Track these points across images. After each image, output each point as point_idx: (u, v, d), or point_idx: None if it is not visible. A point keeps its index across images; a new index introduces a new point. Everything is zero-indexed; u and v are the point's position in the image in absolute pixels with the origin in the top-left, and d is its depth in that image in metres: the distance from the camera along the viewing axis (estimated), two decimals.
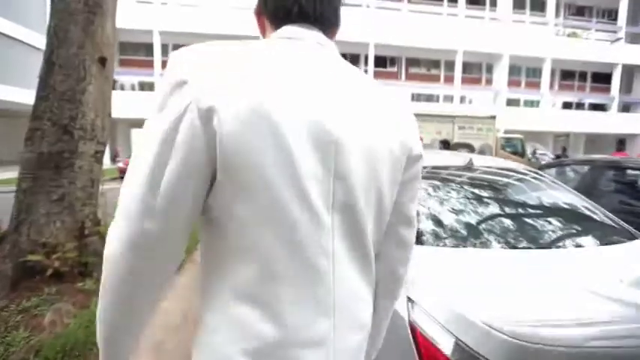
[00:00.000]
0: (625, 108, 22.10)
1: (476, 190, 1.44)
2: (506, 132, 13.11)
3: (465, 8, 19.74)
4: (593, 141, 21.70)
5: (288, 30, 0.53)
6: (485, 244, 1.14)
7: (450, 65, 20.50)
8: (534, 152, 11.48)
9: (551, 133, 21.00)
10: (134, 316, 0.48)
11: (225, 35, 18.19)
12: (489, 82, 21.61)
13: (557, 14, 20.94)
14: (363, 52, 19.44)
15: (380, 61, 20.02)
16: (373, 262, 0.55)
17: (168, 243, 0.45)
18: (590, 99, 22.69)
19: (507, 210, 1.31)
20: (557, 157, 10.83)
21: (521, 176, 1.58)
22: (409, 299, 0.99)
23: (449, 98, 20.57)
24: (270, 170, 0.43)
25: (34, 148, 2.42)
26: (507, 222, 1.22)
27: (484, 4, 21.27)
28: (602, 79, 22.15)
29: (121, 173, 12.33)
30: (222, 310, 0.47)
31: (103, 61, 2.72)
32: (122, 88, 19.13)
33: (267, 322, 0.45)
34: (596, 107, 22.32)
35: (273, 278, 0.45)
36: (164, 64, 18.72)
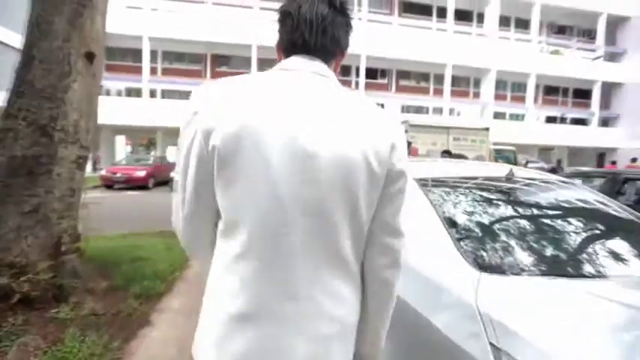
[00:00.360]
0: (604, 122, 22.99)
1: (540, 206, 1.25)
2: (494, 144, 13.29)
3: (454, 24, 20.27)
4: (575, 154, 22.37)
5: (288, 62, 0.66)
6: (581, 272, 0.93)
7: (439, 78, 20.90)
8: (526, 164, 11.59)
9: (536, 146, 21.53)
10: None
11: (215, 43, 18.04)
12: (477, 95, 22.12)
13: (540, 32, 21.77)
14: (355, 63, 19.63)
15: (371, 73, 20.23)
16: (353, 264, 0.62)
17: (199, 218, 0.64)
18: (571, 114, 23.54)
19: (587, 229, 1.11)
20: (553, 169, 10.95)
21: (579, 191, 1.40)
22: (493, 346, 0.76)
23: (438, 110, 20.90)
24: (252, 172, 0.56)
25: (4, 151, 2.10)
26: (596, 244, 1.03)
27: (471, 20, 21.94)
28: (582, 94, 23.04)
29: (104, 181, 11.69)
30: (216, 279, 0.61)
31: (90, 57, 2.44)
32: (108, 93, 18.54)
33: (244, 294, 0.57)
34: (577, 122, 23.15)
35: (249, 259, 0.57)
36: (153, 70, 18.35)
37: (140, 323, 2.03)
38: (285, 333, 0.56)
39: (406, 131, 7.93)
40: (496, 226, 1.12)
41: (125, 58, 18.92)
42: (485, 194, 1.32)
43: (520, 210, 1.22)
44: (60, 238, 2.22)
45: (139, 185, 11.73)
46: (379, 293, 0.66)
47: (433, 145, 8.81)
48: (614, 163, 14.26)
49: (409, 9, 21.48)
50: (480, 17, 21.65)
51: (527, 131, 20.30)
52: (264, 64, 19.44)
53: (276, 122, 0.56)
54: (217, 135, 0.55)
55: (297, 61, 0.64)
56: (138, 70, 17.76)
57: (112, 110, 16.09)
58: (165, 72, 19.54)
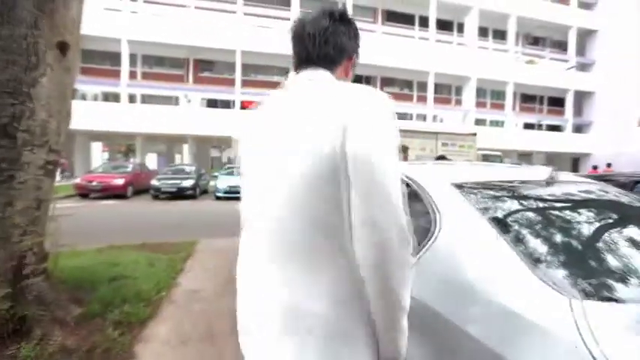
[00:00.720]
0: (577, 129, 24.07)
1: (619, 215, 1.08)
2: (479, 149, 13.53)
3: (436, 33, 20.77)
4: (552, 159, 23.23)
5: (290, 76, 0.76)
6: None
7: (423, 86, 21.29)
8: None
9: (516, 152, 22.21)
10: None
11: (198, 47, 17.62)
12: (459, 102, 22.67)
13: (516, 43, 22.66)
14: None
15: (356, 80, 19.45)
16: (330, 259, 0.61)
17: None
18: (547, 120, 24.54)
19: None
20: None
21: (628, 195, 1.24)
22: None
23: (422, 117, 21.24)
24: (244, 178, 0.72)
25: None
26: None
27: (452, 29, 22.60)
28: (557, 102, 24.11)
29: (79, 190, 10.95)
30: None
31: (63, 48, 2.13)
32: (84, 97, 17.66)
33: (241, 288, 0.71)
34: (552, 128, 24.14)
35: (241, 254, 0.73)
36: (132, 74, 17.67)
37: (122, 359, 1.71)
38: (267, 322, 0.63)
39: None
40: (576, 240, 0.93)
41: (102, 61, 18.16)
42: (541, 202, 1.14)
43: (598, 220, 1.04)
44: (22, 259, 1.87)
45: (117, 194, 11.08)
46: (374, 294, 0.60)
47: (422, 151, 8.82)
48: (595, 167, 14.81)
49: (392, 18, 21.89)
50: (460, 27, 22.34)
51: (507, 137, 20.91)
52: (249, 69, 19.20)
53: (260, 133, 0.69)
54: (240, 146, 0.74)
55: (298, 75, 0.73)
56: (116, 74, 17.04)
57: (87, 115, 15.35)
58: (146, 76, 18.88)
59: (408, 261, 0.59)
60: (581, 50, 23.69)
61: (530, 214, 1.06)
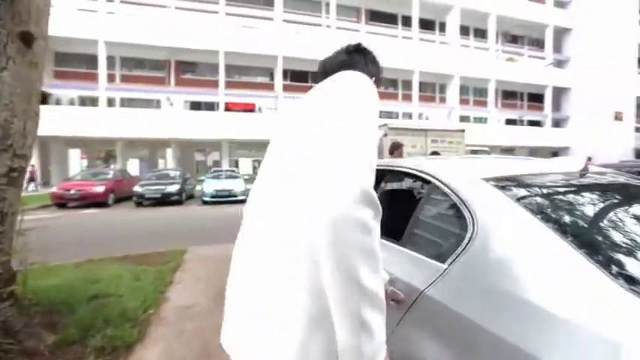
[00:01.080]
0: (556, 124, 24.85)
1: None
2: (466, 145, 13.69)
3: (419, 32, 20.99)
4: (534, 154, 23.89)
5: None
6: None
7: (407, 84, 21.48)
8: None
9: (499, 147, 22.69)
10: None
11: (179, 49, 17.14)
12: (443, 100, 22.99)
13: (496, 41, 23.19)
14: None
15: None
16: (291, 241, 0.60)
17: None
18: (527, 116, 25.22)
19: None
20: None
21: None
22: None
23: (407, 115, 21.40)
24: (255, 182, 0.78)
25: None
26: None
27: (434, 29, 22.91)
28: (536, 98, 24.82)
29: (56, 200, 10.36)
30: None
31: (27, 40, 1.88)
32: (58, 102, 16.88)
33: None
34: (533, 123, 24.83)
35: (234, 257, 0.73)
36: (110, 77, 17.00)
37: None
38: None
39: (385, 134, 7.79)
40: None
41: (78, 64, 17.42)
42: (589, 195, 1.01)
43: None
44: None
45: (97, 202, 10.56)
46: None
47: (413, 148, 8.80)
48: (589, 159, 15.20)
49: (375, 17, 21.98)
50: (442, 26, 22.68)
51: (490, 133, 21.34)
52: (233, 70, 18.83)
53: (274, 141, 0.74)
54: None
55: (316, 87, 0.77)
56: (93, 77, 16.33)
57: (64, 121, 14.66)
58: (125, 79, 18.21)
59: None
60: (557, 48, 24.47)
61: (583, 210, 0.93)
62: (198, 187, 13.25)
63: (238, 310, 0.64)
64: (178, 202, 11.32)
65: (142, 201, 10.95)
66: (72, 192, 10.48)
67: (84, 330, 1.89)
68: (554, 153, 25.33)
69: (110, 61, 16.83)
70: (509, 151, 23.22)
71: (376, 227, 0.51)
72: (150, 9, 17.59)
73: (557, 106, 24.85)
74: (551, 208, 0.90)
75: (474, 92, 23.81)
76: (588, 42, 23.05)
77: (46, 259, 2.29)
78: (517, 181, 1.04)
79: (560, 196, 1.00)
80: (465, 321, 0.78)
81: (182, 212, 9.52)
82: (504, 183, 0.99)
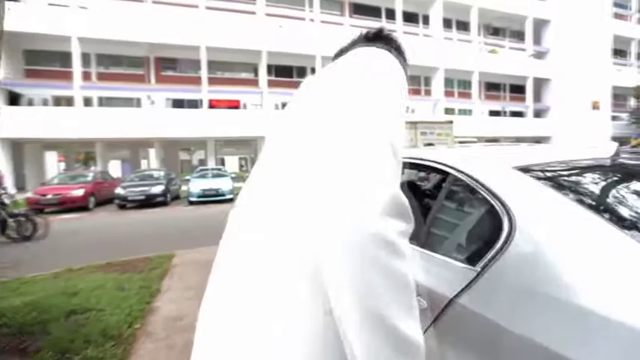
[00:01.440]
0: (537, 114, 25.51)
1: None
2: (455, 137, 13.84)
3: (402, 25, 20.99)
4: (518, 143, 24.46)
5: None
6: None
7: None
8: None
9: (484, 138, 23.10)
10: None
11: (158, 44, 16.55)
12: (428, 92, 23.16)
13: (478, 33, 23.48)
14: (310, 64, 19.38)
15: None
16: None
17: None
18: (510, 107, 25.78)
19: None
20: None
21: None
22: None
23: None
24: None
25: None
26: None
27: (418, 21, 22.96)
28: (518, 89, 25.37)
29: (31, 205, 9.81)
30: None
31: None
32: (30, 103, 16.04)
33: None
34: (515, 114, 25.40)
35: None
36: (86, 75, 16.25)
37: None
38: None
39: None
40: None
41: (50, 62, 16.59)
42: (634, 182, 0.90)
43: None
44: None
45: (77, 207, 10.09)
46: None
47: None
48: None
49: (359, 10, 21.83)
50: (426, 19, 22.77)
51: (475, 124, 21.68)
52: (215, 66, 18.33)
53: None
54: None
55: None
56: (67, 76, 15.56)
57: (37, 122, 13.94)
58: (102, 77, 17.46)
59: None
60: (537, 39, 24.98)
61: (633, 199, 0.82)
62: (183, 188, 12.88)
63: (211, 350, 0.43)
64: (163, 204, 10.97)
65: (124, 203, 10.56)
66: (49, 196, 9.98)
67: (60, 352, 1.69)
68: (537, 142, 26.12)
69: (85, 58, 16.08)
70: (494, 141, 23.69)
71: (408, 247, 0.37)
72: (125, 3, 16.86)
73: (537, 96, 25.44)
74: (605, 200, 0.79)
75: (458, 84, 24.08)
76: (566, 34, 23.61)
77: (20, 273, 2.07)
78: (554, 170, 0.93)
79: (611, 187, 0.89)
80: (507, 333, 0.66)
81: (168, 214, 9.20)
82: (540, 173, 0.87)
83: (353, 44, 0.70)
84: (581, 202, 0.74)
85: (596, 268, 0.63)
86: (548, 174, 0.89)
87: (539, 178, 0.83)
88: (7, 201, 5.84)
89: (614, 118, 24.73)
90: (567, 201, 0.74)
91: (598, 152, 1.14)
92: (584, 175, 0.92)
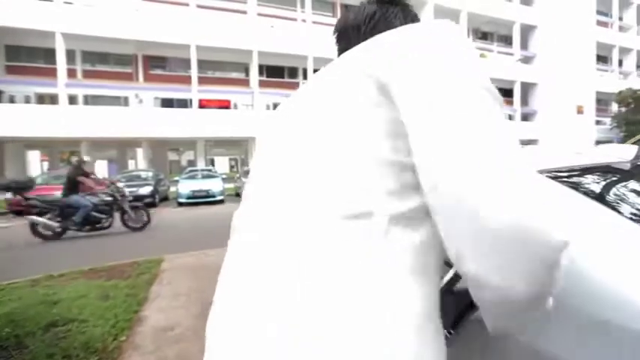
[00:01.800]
0: (525, 118, 26.08)
1: None
2: None
3: None
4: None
5: None
6: None
7: None
8: None
9: None
10: None
11: (147, 42, 16.22)
12: None
13: (468, 37, 23.87)
14: (302, 65, 19.34)
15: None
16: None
17: None
18: None
19: None
20: None
21: None
22: None
23: None
24: None
25: None
26: None
27: None
28: (506, 93, 25.85)
29: (13, 207, 9.38)
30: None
31: None
32: (12, 100, 15.47)
33: None
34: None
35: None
36: (71, 72, 15.78)
37: None
38: None
39: None
40: None
41: (34, 58, 16.09)
42: None
43: None
44: None
45: None
46: None
47: None
48: None
49: None
50: None
51: None
52: (205, 66, 18.06)
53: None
54: None
55: None
56: (51, 73, 15.07)
57: (19, 120, 13.45)
58: (88, 75, 16.99)
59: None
60: (524, 44, 25.57)
61: None
62: (172, 189, 12.61)
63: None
64: (152, 205, 10.68)
65: None
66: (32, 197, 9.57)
67: None
68: (525, 145, 26.66)
69: (70, 55, 15.60)
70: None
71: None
72: (111, 0, 16.47)
73: (525, 100, 26.01)
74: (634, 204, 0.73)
75: None
76: (552, 39, 24.23)
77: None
78: (579, 174, 0.87)
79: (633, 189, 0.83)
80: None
81: (156, 216, 8.93)
82: (567, 177, 0.80)
83: (362, 7, 0.58)
84: (619, 211, 0.67)
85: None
86: (576, 179, 0.83)
87: (569, 184, 0.77)
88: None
89: (597, 122, 25.48)
90: (605, 209, 0.67)
91: (615, 155, 1.09)
92: (615, 180, 0.86)
